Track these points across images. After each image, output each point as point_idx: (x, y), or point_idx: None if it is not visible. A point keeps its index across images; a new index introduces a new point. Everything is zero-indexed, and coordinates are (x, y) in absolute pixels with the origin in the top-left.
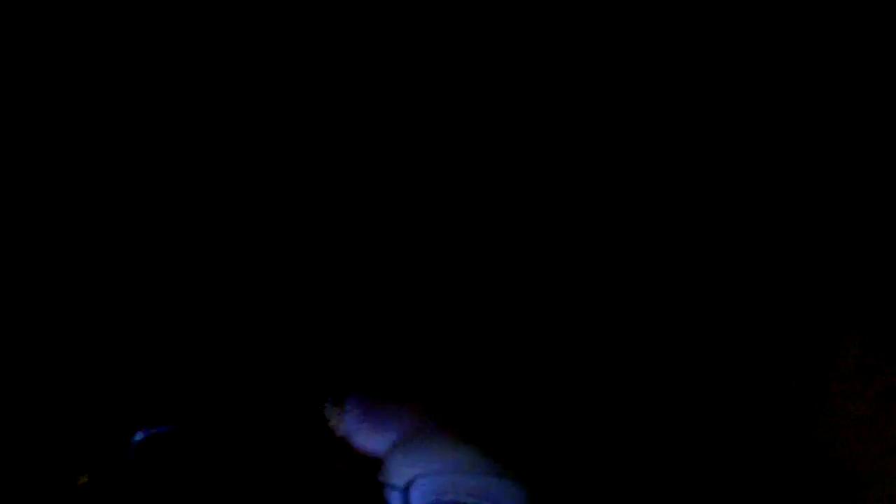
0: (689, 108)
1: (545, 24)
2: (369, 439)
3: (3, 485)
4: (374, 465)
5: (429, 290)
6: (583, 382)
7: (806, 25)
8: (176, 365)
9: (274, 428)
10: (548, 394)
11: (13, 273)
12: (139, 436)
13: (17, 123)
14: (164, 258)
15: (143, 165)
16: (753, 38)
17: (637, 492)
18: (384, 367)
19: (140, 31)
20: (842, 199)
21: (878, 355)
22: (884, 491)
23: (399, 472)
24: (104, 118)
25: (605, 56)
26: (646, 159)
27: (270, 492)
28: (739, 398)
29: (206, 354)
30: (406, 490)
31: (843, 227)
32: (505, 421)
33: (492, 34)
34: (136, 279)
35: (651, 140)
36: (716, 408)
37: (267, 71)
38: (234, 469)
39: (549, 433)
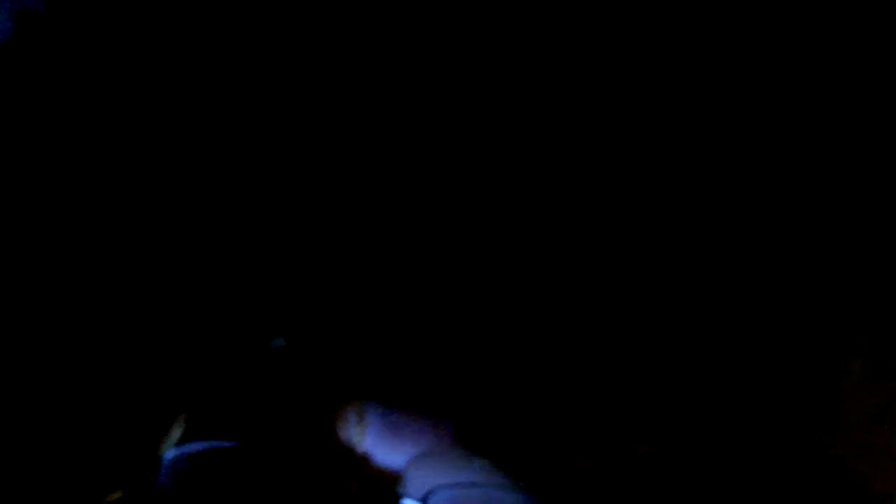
0: (692, 110)
1: (545, 24)
2: (389, 454)
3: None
4: (392, 479)
5: (445, 308)
6: (593, 397)
7: (806, 25)
8: (201, 383)
9: (295, 444)
10: (558, 408)
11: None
12: (170, 454)
13: (17, 123)
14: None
15: (144, 166)
16: (753, 39)
17: (642, 494)
18: (403, 383)
19: (139, 31)
20: (848, 205)
21: (883, 357)
22: (887, 494)
23: (417, 485)
24: (104, 118)
25: (605, 56)
26: (648, 164)
27: None
28: (743, 401)
29: (234, 369)
30: (423, 503)
31: (849, 231)
32: (516, 435)
33: (492, 34)
34: (156, 290)
35: (654, 144)
36: (720, 412)
37: (267, 71)
38: (258, 487)
39: (559, 446)
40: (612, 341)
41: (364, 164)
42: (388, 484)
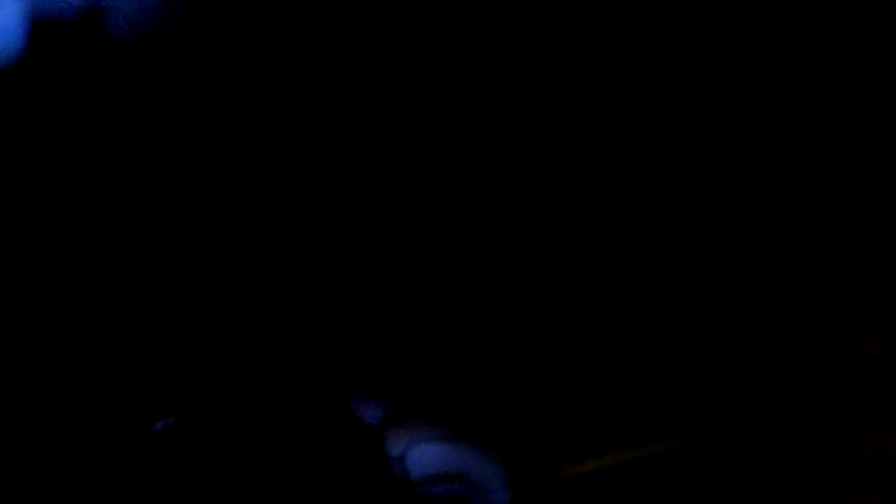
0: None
1: (545, 24)
2: (366, 412)
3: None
4: (372, 436)
5: (416, 270)
6: (590, 398)
7: (806, 25)
8: (182, 357)
9: (274, 412)
10: (554, 411)
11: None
12: (158, 425)
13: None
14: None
15: (143, 165)
16: (753, 39)
17: (634, 485)
18: (376, 341)
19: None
20: (853, 195)
21: (892, 353)
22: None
23: (394, 442)
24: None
25: (605, 56)
26: (645, 159)
27: (277, 473)
28: (746, 396)
29: (212, 345)
30: (401, 459)
31: (854, 222)
32: (491, 394)
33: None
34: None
35: (650, 139)
36: (719, 402)
37: (267, 71)
38: (243, 455)
39: (535, 408)
40: (611, 340)
41: (355, 165)
42: (368, 440)
